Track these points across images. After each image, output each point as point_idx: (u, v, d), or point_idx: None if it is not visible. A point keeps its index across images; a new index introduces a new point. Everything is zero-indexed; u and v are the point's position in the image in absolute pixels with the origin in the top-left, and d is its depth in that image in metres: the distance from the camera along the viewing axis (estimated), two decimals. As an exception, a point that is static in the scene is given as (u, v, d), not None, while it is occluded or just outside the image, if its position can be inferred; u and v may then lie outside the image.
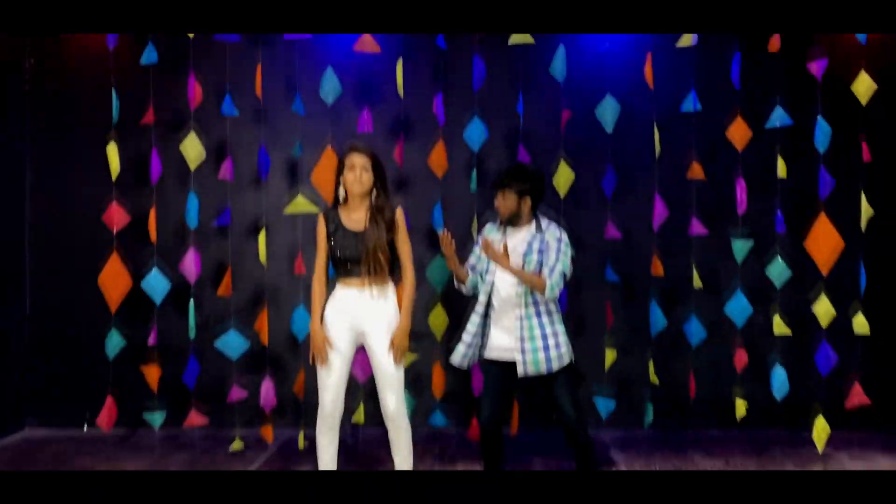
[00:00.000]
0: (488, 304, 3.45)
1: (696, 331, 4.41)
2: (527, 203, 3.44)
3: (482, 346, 3.47)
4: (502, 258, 3.20)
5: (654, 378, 4.44)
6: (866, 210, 4.16)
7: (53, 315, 4.94)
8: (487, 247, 3.22)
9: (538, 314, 3.34)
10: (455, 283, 3.63)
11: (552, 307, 3.41)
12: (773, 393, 4.27)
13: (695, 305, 4.48)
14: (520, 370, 3.30)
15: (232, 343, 4.38)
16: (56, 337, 4.93)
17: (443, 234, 3.32)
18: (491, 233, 3.54)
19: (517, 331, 3.31)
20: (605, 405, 4.45)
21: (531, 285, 3.27)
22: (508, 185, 3.40)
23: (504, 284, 3.38)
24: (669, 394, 4.67)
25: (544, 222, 3.48)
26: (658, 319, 4.42)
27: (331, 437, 3.30)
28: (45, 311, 4.95)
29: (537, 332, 3.31)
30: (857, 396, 4.24)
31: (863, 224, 4.17)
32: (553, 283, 3.27)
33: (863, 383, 4.26)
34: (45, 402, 4.95)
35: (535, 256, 3.35)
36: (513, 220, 3.45)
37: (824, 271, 4.13)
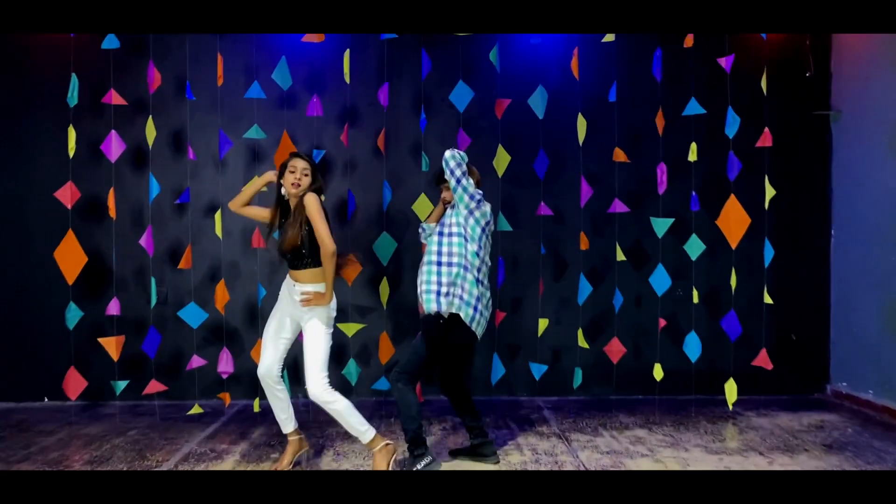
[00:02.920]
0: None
1: (618, 300, 4.86)
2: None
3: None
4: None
5: (582, 342, 4.85)
6: (769, 191, 4.65)
7: (12, 293, 5.10)
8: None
9: (448, 284, 3.53)
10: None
11: (458, 287, 3.54)
12: (688, 355, 4.74)
13: (618, 278, 4.94)
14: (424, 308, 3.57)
15: (192, 313, 4.64)
16: (14, 314, 5.09)
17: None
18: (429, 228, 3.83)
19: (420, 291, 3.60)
20: (538, 369, 4.86)
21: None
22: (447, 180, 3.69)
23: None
24: (597, 362, 5.11)
25: None
26: (584, 288, 4.84)
27: (275, 395, 3.60)
28: (4, 287, 5.10)
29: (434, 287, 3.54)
30: (762, 360, 4.72)
31: (766, 203, 4.67)
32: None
33: (768, 351, 4.76)
34: (7, 378, 5.09)
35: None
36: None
37: (733, 245, 4.62)
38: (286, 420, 3.65)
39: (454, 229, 3.55)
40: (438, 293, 3.48)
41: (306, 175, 3.46)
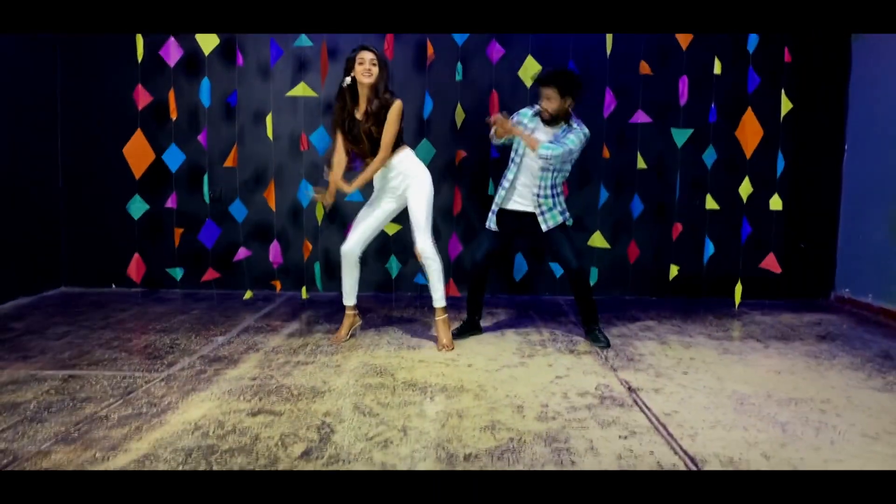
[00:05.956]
0: (514, 178, 4.04)
1: (636, 206, 5.23)
2: (566, 102, 3.84)
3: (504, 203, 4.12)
4: (507, 126, 3.84)
5: (601, 242, 5.23)
6: (785, 104, 4.91)
7: (85, 186, 5.63)
8: (497, 121, 3.85)
9: (552, 186, 3.97)
10: (490, 136, 4.08)
11: (559, 189, 4.02)
12: (703, 258, 5.13)
13: (638, 185, 5.30)
14: (542, 227, 4.00)
15: (238, 210, 5.13)
16: (86, 206, 5.64)
17: (490, 119, 3.91)
18: (524, 117, 4.01)
19: (535, 199, 3.99)
20: (558, 268, 5.29)
21: (527, 142, 3.84)
22: (554, 83, 3.81)
23: (530, 165, 3.97)
24: (614, 264, 5.52)
25: (576, 122, 3.94)
26: (604, 195, 5.20)
27: (349, 271, 4.05)
28: (77, 182, 5.63)
29: (550, 201, 3.99)
30: (770, 263, 5.08)
31: (781, 116, 4.93)
32: (543, 147, 3.79)
33: (777, 258, 5.10)
34: (78, 266, 5.68)
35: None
36: (554, 120, 3.89)
37: (748, 155, 4.92)
38: (350, 293, 4.08)
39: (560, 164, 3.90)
40: (563, 212, 4.07)
41: (374, 65, 3.75)
